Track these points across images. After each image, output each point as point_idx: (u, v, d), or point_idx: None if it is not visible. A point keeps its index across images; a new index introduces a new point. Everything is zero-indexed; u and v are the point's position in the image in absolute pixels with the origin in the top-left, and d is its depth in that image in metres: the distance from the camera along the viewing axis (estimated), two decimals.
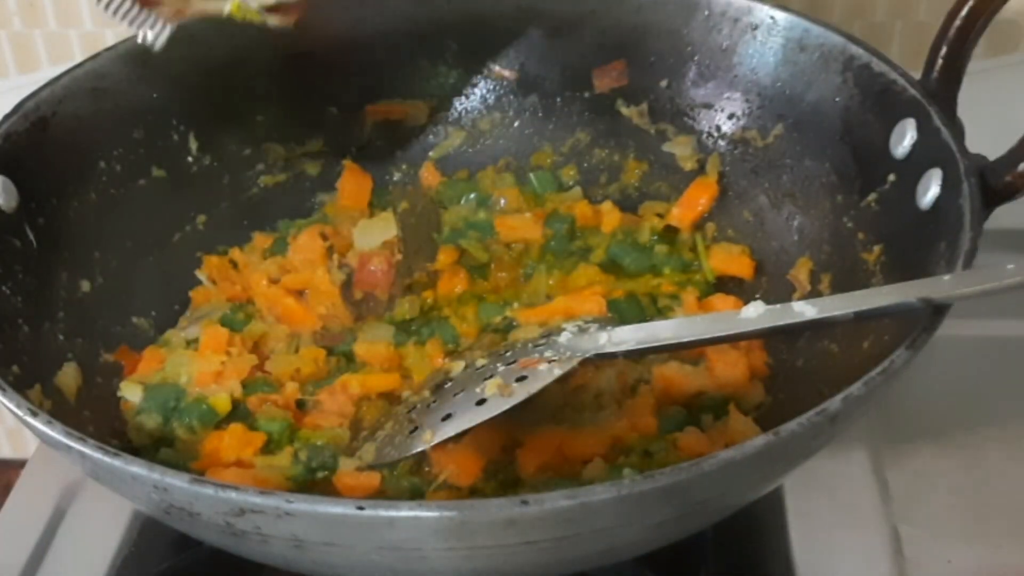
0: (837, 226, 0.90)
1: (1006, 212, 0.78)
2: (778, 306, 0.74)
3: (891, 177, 0.85)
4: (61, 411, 0.80)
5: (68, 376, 0.84)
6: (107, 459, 0.63)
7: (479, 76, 1.05)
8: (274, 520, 0.60)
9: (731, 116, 0.98)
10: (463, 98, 1.06)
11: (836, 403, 0.63)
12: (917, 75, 0.85)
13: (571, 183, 1.04)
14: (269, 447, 0.83)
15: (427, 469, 0.81)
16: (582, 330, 0.82)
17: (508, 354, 0.83)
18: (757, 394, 0.87)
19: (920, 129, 0.82)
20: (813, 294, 0.91)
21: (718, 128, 0.99)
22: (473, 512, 0.59)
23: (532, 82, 1.05)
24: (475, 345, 0.90)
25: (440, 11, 1.03)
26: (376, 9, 1.02)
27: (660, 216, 1.00)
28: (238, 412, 0.86)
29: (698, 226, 1.00)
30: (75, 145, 0.90)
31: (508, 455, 0.82)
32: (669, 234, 1.00)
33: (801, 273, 0.92)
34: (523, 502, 0.58)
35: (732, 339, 0.80)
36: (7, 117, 0.85)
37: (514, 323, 0.90)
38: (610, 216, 1.00)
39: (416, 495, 0.80)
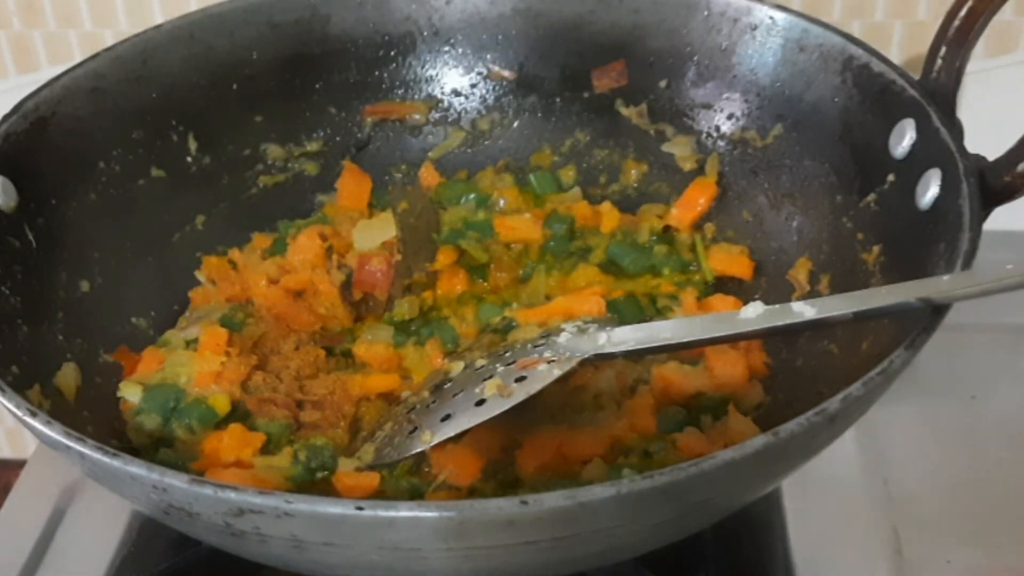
0: (836, 226, 0.90)
1: (1006, 212, 0.78)
2: (777, 306, 0.74)
3: (890, 177, 0.84)
4: (60, 411, 0.80)
5: (67, 376, 0.84)
6: (106, 459, 0.63)
7: (479, 76, 1.05)
8: (273, 520, 0.60)
9: (730, 116, 0.98)
10: (462, 98, 1.06)
11: (835, 403, 0.63)
12: (916, 75, 0.85)
13: (570, 183, 1.04)
14: (268, 447, 0.83)
15: (426, 469, 0.81)
16: (581, 330, 0.82)
17: (507, 354, 0.83)
18: (756, 394, 0.87)
19: (919, 129, 0.82)
20: (812, 294, 0.91)
21: (717, 128, 0.99)
22: (472, 512, 0.59)
23: (531, 82, 1.04)
24: (474, 345, 0.90)
25: (440, 11, 1.03)
26: (376, 9, 1.02)
27: (659, 216, 1.00)
28: (237, 412, 0.86)
29: (697, 226, 1.00)
30: (74, 145, 0.90)
31: (507, 455, 0.82)
32: (668, 234, 1.00)
33: (800, 273, 0.92)
34: (522, 502, 0.58)
35: (731, 339, 0.80)
36: (7, 117, 0.85)
37: (513, 323, 0.90)
38: (609, 216, 1.00)
39: (415, 495, 0.80)
